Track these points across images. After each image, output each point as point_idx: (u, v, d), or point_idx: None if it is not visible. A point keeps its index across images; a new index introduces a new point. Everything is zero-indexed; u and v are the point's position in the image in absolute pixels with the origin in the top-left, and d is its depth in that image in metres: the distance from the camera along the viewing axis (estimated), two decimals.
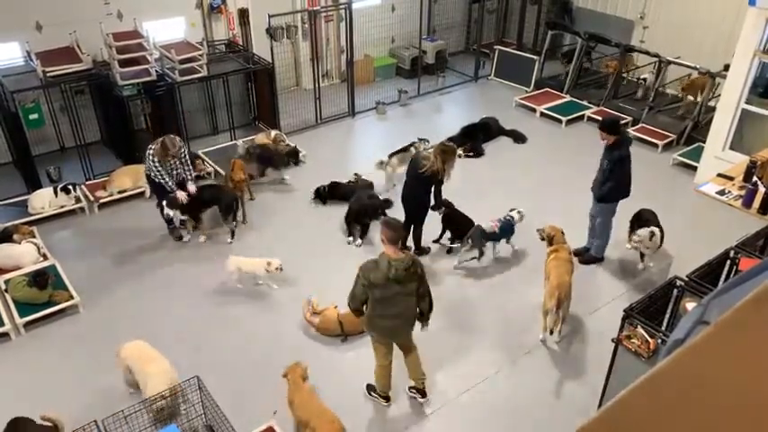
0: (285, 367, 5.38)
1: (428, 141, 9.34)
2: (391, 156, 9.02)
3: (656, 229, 7.13)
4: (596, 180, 7.09)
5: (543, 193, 8.92)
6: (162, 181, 7.44)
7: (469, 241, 7.26)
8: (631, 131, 10.53)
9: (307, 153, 9.96)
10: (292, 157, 9.67)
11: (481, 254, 7.35)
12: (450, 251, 7.77)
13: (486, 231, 7.33)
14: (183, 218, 7.71)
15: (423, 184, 6.93)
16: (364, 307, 5.07)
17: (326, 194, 8.74)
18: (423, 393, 5.70)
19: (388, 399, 5.68)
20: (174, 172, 7.52)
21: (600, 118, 9.32)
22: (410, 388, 5.77)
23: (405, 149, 9.16)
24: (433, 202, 7.17)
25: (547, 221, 7.19)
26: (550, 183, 9.20)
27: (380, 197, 8.50)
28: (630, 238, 7.33)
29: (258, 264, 7.03)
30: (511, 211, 7.67)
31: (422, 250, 7.61)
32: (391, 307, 4.96)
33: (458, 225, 7.69)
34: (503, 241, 7.59)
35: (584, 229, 7.54)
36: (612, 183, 6.87)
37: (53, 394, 5.65)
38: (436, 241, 7.85)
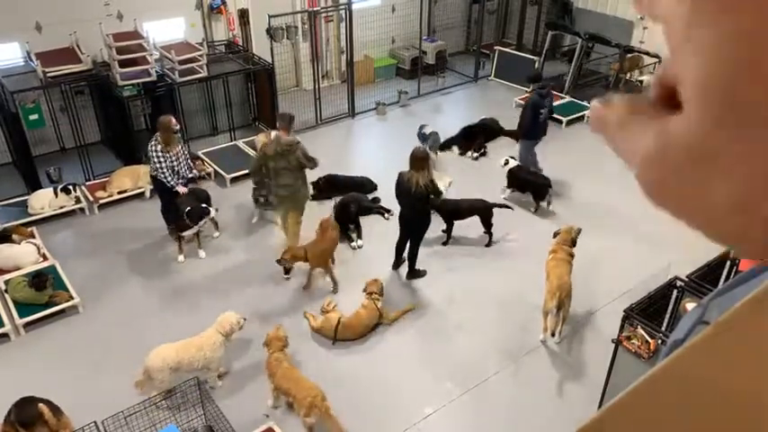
0: (266, 335, 5.61)
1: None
2: None
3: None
4: None
5: None
6: (164, 178, 7.34)
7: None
8: None
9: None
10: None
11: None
12: (445, 243, 7.88)
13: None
14: (194, 230, 7.59)
15: (421, 201, 6.74)
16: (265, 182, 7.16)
17: (324, 186, 8.73)
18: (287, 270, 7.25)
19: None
20: (176, 167, 7.43)
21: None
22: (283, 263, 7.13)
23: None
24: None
25: (546, 220, 7.22)
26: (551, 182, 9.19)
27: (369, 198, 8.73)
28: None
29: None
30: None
31: (416, 273, 7.28)
32: (283, 178, 6.87)
33: (451, 213, 7.82)
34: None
35: (584, 225, 7.54)
36: (524, 122, 8.75)
37: (53, 395, 5.63)
38: (445, 243, 7.90)
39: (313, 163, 7.06)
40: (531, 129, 8.87)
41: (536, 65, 12.53)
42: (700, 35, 0.32)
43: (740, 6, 0.31)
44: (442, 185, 8.14)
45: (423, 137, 9.72)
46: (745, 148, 0.32)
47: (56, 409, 4.94)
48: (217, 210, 7.71)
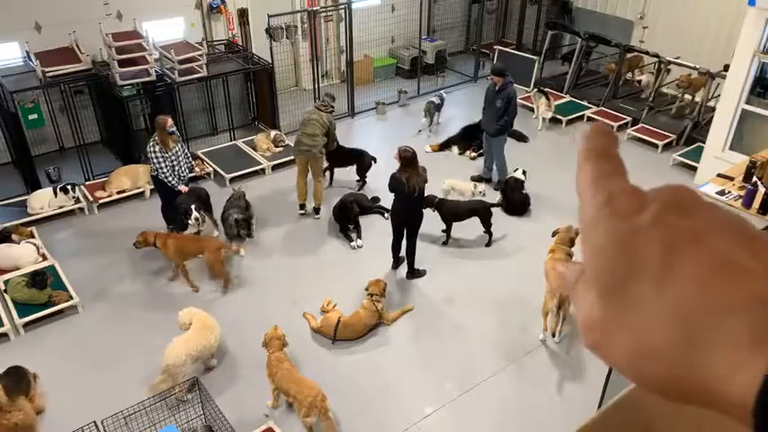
0: (264, 335, 5.60)
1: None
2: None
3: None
4: (490, 119, 8.81)
5: (544, 191, 8.92)
6: (165, 178, 7.32)
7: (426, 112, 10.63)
8: (631, 131, 10.58)
9: None
10: (243, 228, 7.57)
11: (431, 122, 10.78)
12: (445, 243, 7.84)
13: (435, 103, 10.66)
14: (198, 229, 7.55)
15: (420, 197, 6.94)
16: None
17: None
18: (318, 211, 8.30)
19: (303, 207, 8.32)
20: (177, 166, 7.42)
21: (598, 118, 9.52)
22: (314, 208, 8.29)
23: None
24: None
25: (546, 219, 7.20)
26: (551, 181, 9.19)
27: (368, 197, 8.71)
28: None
29: (467, 186, 8.46)
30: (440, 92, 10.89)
31: (416, 273, 7.32)
32: (309, 128, 7.77)
33: (450, 214, 7.78)
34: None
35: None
36: (508, 117, 8.63)
37: (53, 394, 5.65)
38: (445, 243, 7.88)
39: (333, 139, 8.15)
40: (514, 120, 8.87)
41: (536, 64, 12.53)
42: (588, 238, 0.47)
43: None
44: (470, 188, 8.44)
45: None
46: (620, 314, 0.44)
47: (12, 389, 4.96)
48: (205, 220, 7.58)
